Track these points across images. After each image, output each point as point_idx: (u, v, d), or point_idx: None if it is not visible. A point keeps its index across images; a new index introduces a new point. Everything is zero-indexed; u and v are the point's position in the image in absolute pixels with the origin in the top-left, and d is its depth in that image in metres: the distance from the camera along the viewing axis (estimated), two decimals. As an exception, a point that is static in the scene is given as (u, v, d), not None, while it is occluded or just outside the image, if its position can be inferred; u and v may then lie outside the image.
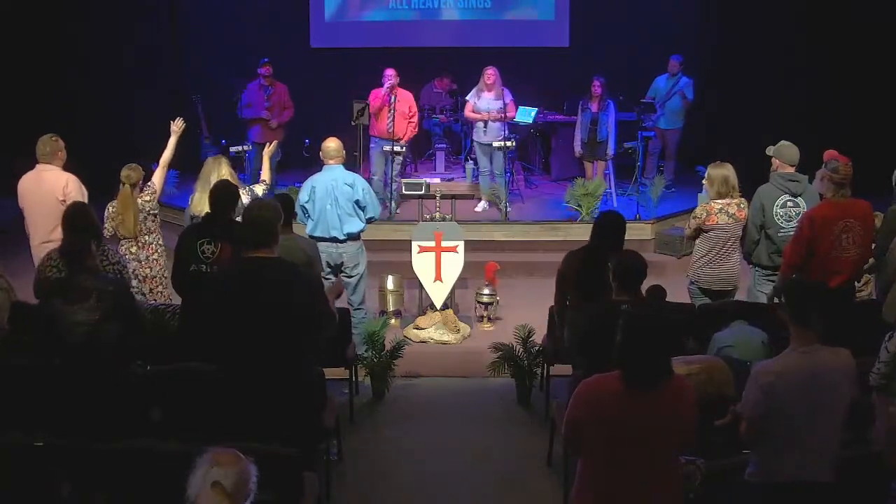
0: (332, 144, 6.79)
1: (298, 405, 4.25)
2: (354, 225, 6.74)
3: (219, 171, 6.40)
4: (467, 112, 10.00)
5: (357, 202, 6.69)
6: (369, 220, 6.87)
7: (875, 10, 10.98)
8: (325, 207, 6.67)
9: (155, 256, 6.44)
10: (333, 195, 6.64)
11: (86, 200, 6.25)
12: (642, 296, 4.64)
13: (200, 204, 6.01)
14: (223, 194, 5.37)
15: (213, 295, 4.36)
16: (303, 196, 6.75)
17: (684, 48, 11.03)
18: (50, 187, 6.33)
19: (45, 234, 6.26)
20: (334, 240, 6.71)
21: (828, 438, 3.55)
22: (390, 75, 9.63)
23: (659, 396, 3.26)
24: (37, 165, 6.44)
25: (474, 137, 10.02)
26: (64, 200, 6.27)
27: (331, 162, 6.75)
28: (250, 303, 4.17)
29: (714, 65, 12.04)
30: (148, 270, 6.40)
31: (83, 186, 6.43)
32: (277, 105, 10.29)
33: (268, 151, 6.99)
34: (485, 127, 9.75)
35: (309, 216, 6.73)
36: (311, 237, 6.65)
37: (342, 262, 6.77)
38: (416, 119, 9.95)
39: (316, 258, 5.96)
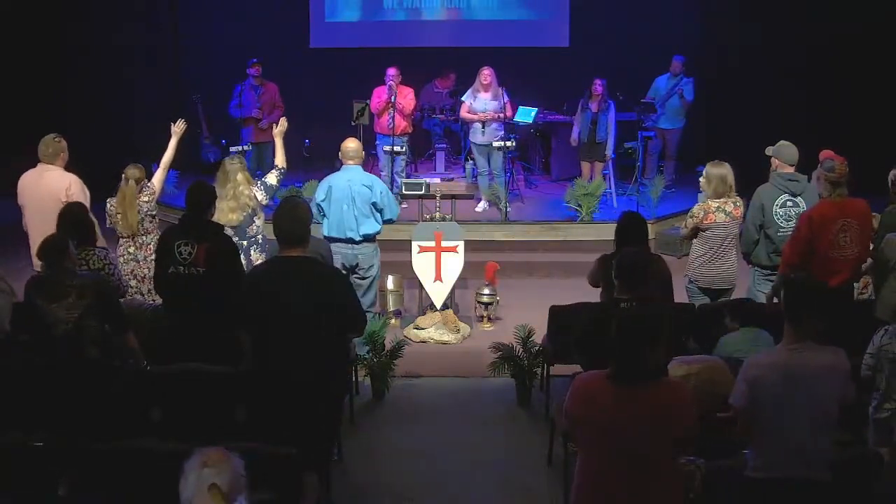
0: (351, 145, 6.78)
1: (318, 406, 4.25)
2: (371, 226, 6.74)
3: (234, 174, 6.37)
4: (463, 113, 9.98)
5: (374, 204, 6.69)
6: (387, 222, 6.86)
7: (875, 10, 10.98)
8: (341, 208, 6.67)
9: (153, 258, 6.42)
10: (350, 196, 6.63)
11: (88, 202, 6.24)
12: (642, 295, 4.65)
13: (219, 213, 5.86)
14: (199, 195, 5.30)
15: (247, 294, 4.36)
16: (319, 195, 6.76)
17: (684, 48, 11.03)
18: (52, 188, 6.31)
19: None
20: (350, 241, 6.72)
21: (816, 436, 3.53)
22: (392, 75, 9.72)
23: (648, 395, 3.26)
24: (38, 165, 6.41)
25: (471, 138, 10.00)
26: (66, 202, 6.26)
27: (350, 162, 6.76)
28: (284, 302, 4.18)
29: (714, 65, 12.03)
30: (146, 271, 6.39)
31: (86, 188, 6.41)
32: (268, 104, 10.26)
33: (278, 132, 6.86)
34: (482, 127, 9.72)
35: (324, 215, 6.72)
36: (327, 237, 6.65)
37: (357, 264, 6.77)
38: (410, 114, 10.03)
39: (329, 259, 5.95)
